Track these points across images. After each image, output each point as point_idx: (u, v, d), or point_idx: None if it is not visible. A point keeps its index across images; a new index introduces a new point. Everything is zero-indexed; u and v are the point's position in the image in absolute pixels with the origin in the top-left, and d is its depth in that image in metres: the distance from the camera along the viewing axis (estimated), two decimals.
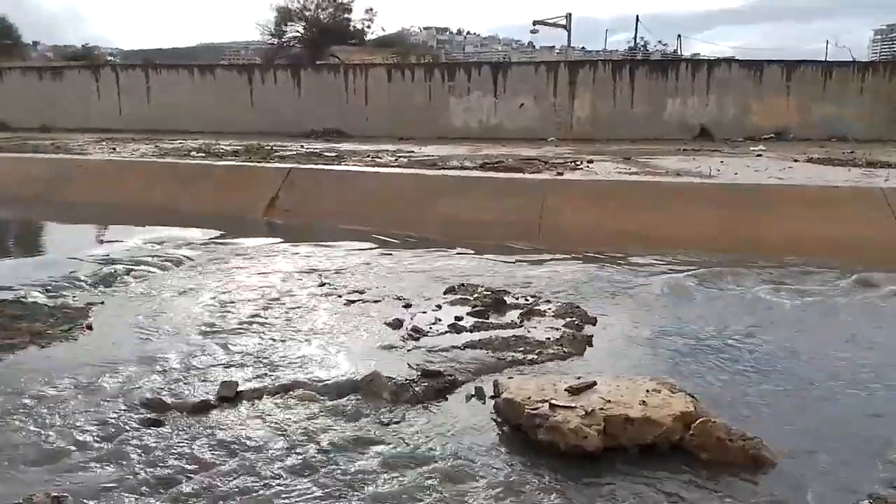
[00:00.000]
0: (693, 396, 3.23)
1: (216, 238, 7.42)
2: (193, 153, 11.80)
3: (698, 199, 7.66)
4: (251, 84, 19.20)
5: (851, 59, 18.88)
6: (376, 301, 5.15)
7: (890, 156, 10.83)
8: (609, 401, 3.15)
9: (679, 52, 24.13)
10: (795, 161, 10.54)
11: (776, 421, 3.28)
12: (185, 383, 3.61)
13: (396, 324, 4.63)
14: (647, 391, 3.25)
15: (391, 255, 6.76)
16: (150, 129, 18.29)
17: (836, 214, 7.08)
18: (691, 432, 2.96)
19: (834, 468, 2.82)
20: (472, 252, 6.87)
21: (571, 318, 4.81)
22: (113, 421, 3.19)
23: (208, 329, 4.44)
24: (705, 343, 4.35)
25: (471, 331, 4.55)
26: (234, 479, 2.74)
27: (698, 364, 4.02)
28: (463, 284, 5.55)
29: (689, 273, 5.98)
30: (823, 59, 18.69)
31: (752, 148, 13.00)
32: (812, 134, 16.18)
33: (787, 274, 5.95)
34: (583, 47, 29.53)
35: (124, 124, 19.35)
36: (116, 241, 7.31)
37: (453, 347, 4.20)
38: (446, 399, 3.55)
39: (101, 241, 7.48)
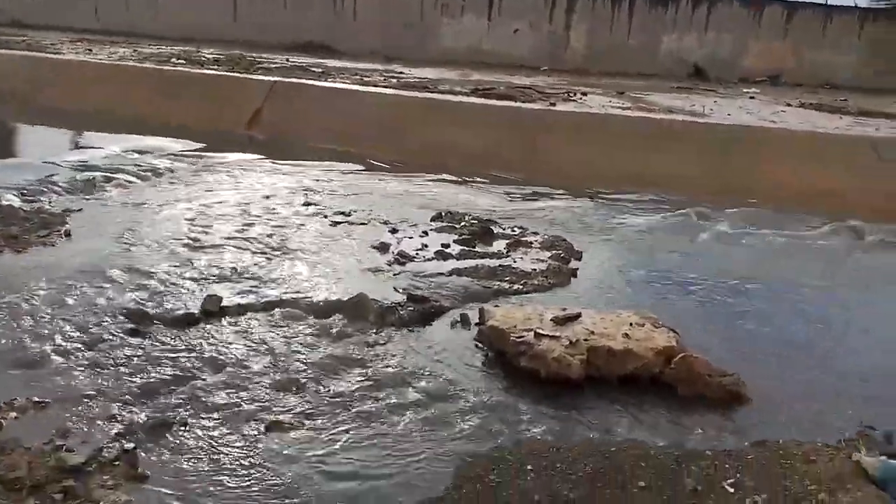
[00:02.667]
0: (675, 332, 3.28)
1: (198, 150, 7.21)
2: (174, 60, 11.31)
3: (690, 138, 7.57)
4: None
5: (854, 5, 18.42)
6: (362, 224, 5.08)
7: (883, 106, 10.78)
8: (593, 332, 3.19)
9: None
10: (788, 105, 10.45)
11: (753, 359, 3.35)
12: (167, 296, 3.56)
13: (383, 247, 4.59)
14: (631, 325, 3.29)
15: (378, 177, 6.64)
16: (128, 33, 17.45)
17: (825, 161, 7.06)
18: (672, 366, 3.01)
19: (807, 406, 2.91)
20: (461, 180, 6.78)
21: (558, 250, 4.81)
22: (94, 330, 3.15)
23: (191, 242, 4.36)
24: (689, 281, 4.39)
25: (457, 258, 4.53)
26: (219, 392, 2.74)
27: (681, 301, 4.08)
28: (450, 212, 5.49)
29: (678, 212, 5.98)
30: (825, 2, 18.19)
31: (745, 90, 12.84)
32: (806, 79, 15.98)
33: (773, 217, 5.98)
34: None
35: (101, 25, 18.41)
36: (94, 147, 7.07)
37: (439, 274, 4.19)
38: (431, 324, 3.57)
39: (79, 147, 7.22)
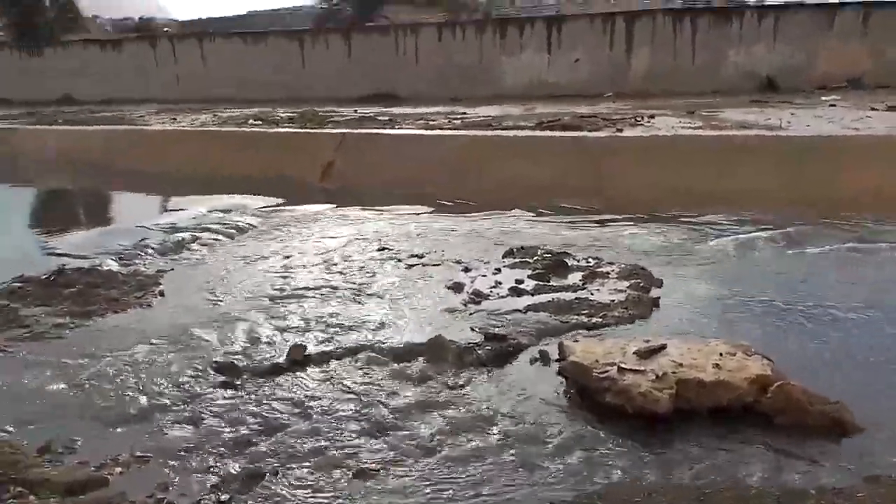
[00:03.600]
0: (769, 359, 3.11)
1: (277, 205, 7.54)
2: (251, 121, 11.96)
3: (768, 152, 7.29)
4: (303, 50, 19.24)
5: None
6: (436, 265, 5.14)
7: None
8: (681, 364, 3.07)
9: None
10: (874, 110, 9.90)
11: (858, 385, 3.13)
12: (255, 347, 3.70)
13: (457, 287, 4.62)
14: (721, 354, 3.15)
15: (448, 218, 6.73)
16: (207, 99, 18.63)
17: None
18: (768, 395, 2.86)
19: None
20: (531, 214, 6.76)
21: (636, 279, 4.68)
22: (188, 384, 3.31)
23: (275, 294, 4.54)
24: (778, 305, 4.16)
25: (532, 294, 4.50)
26: (307, 439, 2.81)
27: (772, 326, 3.87)
28: (522, 247, 5.48)
29: (760, 232, 5.73)
30: None
31: (823, 98, 12.28)
32: (891, 80, 15.14)
33: (865, 232, 5.63)
34: None
35: (182, 94, 19.76)
36: (182, 209, 7.52)
37: (515, 311, 4.17)
38: (511, 363, 3.54)
39: (167, 210, 7.70)
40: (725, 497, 2.32)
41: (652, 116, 10.12)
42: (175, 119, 12.92)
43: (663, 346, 3.23)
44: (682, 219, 6.29)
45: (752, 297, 4.32)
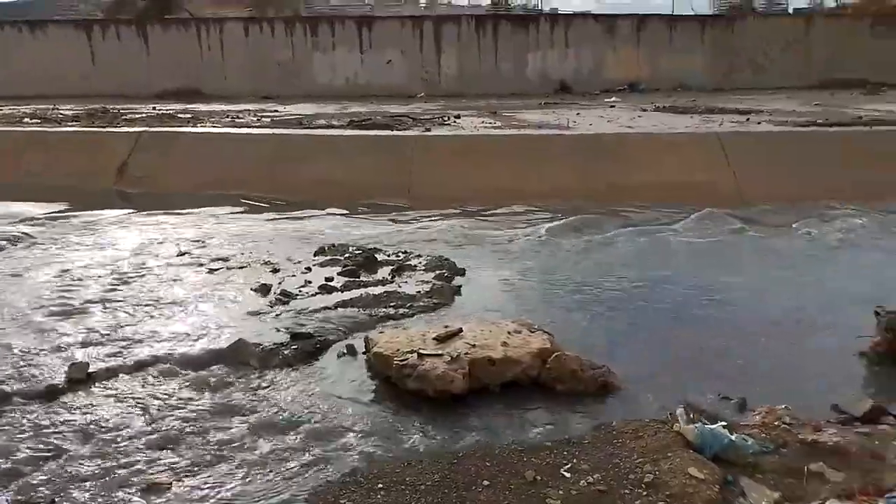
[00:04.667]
0: (549, 333, 3.44)
1: (60, 212, 6.81)
2: (27, 120, 10.64)
3: (557, 150, 7.99)
4: (91, 42, 17.47)
5: (693, 13, 20.16)
6: (241, 267, 4.98)
7: (726, 103, 11.83)
8: (474, 345, 3.28)
9: (540, 7, 24.69)
10: (644, 111, 11.25)
11: (625, 349, 3.57)
12: (28, 368, 3.33)
13: (264, 289, 4.51)
14: (509, 333, 3.42)
15: (256, 219, 6.54)
16: None
17: (680, 159, 7.65)
18: (547, 366, 3.16)
19: (670, 387, 3.13)
20: (343, 212, 6.79)
21: (441, 270, 4.92)
22: None
23: (54, 309, 4.11)
24: (564, 284, 4.62)
25: (342, 290, 4.53)
26: (90, 462, 2.59)
27: (556, 304, 4.29)
28: (333, 245, 5.49)
29: (550, 222, 6.28)
30: (670, 13, 19.79)
31: (606, 100, 13.70)
32: (661, 84, 17.25)
33: (638, 217, 6.41)
34: (448, 0, 29.44)
35: None
36: None
37: (324, 308, 4.18)
38: (318, 360, 3.54)
39: None
40: (474, 458, 2.55)
41: (458, 116, 10.61)
42: None
43: (459, 330, 3.44)
44: (485, 213, 6.70)
45: (542, 279, 4.75)
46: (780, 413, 2.59)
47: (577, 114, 10.75)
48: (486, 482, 2.38)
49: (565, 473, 2.39)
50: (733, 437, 2.38)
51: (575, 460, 2.47)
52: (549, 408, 2.95)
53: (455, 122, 10.02)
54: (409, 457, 2.57)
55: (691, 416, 2.53)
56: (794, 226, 5.96)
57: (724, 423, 2.48)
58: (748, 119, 9.60)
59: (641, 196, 6.93)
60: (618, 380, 3.15)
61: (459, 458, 2.54)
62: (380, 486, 2.39)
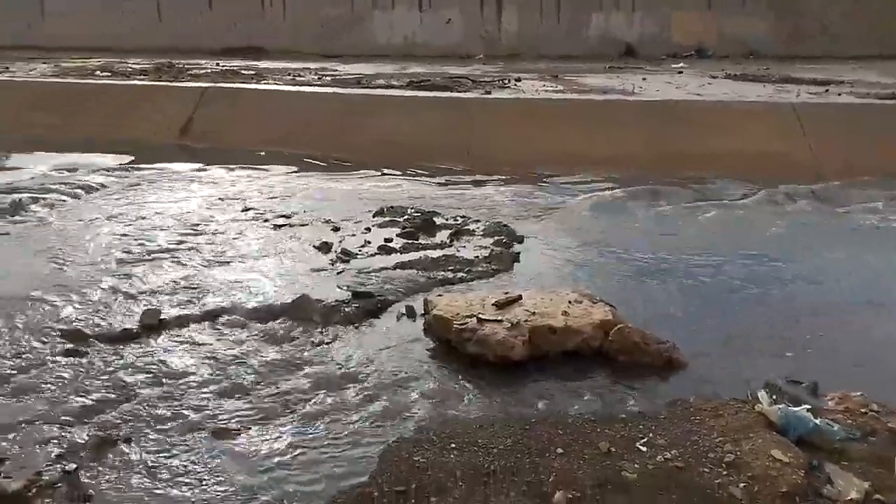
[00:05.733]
0: (612, 305, 3.39)
1: (129, 163, 7.03)
2: (98, 73, 10.95)
3: (622, 116, 7.77)
4: None
5: None
6: (303, 225, 5.06)
7: (801, 72, 11.24)
8: (534, 313, 3.26)
9: None
10: (714, 77, 10.79)
11: (690, 326, 3.49)
12: (105, 313, 3.49)
13: (325, 247, 4.58)
14: (570, 302, 3.38)
15: (318, 178, 6.60)
16: (45, 47, 16.78)
17: (752, 129, 7.34)
18: (610, 338, 3.12)
19: (738, 365, 3.05)
20: (401, 173, 6.79)
21: (499, 236, 4.88)
22: (30, 353, 3.07)
23: (127, 257, 4.27)
24: (628, 256, 4.52)
25: (401, 252, 4.56)
26: (162, 404, 2.71)
27: (619, 276, 4.20)
28: (392, 206, 5.51)
29: (614, 190, 6.14)
30: None
31: (673, 65, 13.19)
32: (730, 51, 16.48)
33: (706, 189, 6.20)
34: None
35: (14, 40, 17.65)
36: (20, 168, 6.81)
37: (383, 268, 4.21)
38: (378, 318, 3.59)
39: (2, 169, 6.95)
40: (547, 425, 2.54)
41: (519, 79, 10.40)
42: (8, 69, 11.56)
43: (519, 297, 3.42)
44: (547, 178, 6.59)
45: (602, 249, 4.65)
46: (857, 399, 2.49)
47: (643, 79, 10.39)
48: (559, 450, 2.38)
49: (641, 447, 2.37)
50: (818, 422, 2.31)
51: (651, 435, 2.44)
52: (614, 380, 2.92)
53: (516, 84, 9.83)
54: (474, 419, 2.59)
55: (773, 397, 2.46)
56: (874, 204, 5.66)
57: (808, 407, 2.41)
58: (827, 90, 9.10)
59: (711, 166, 6.68)
60: (683, 356, 3.09)
61: (532, 424, 2.55)
62: (452, 445, 2.42)
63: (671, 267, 4.33)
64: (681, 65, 13.32)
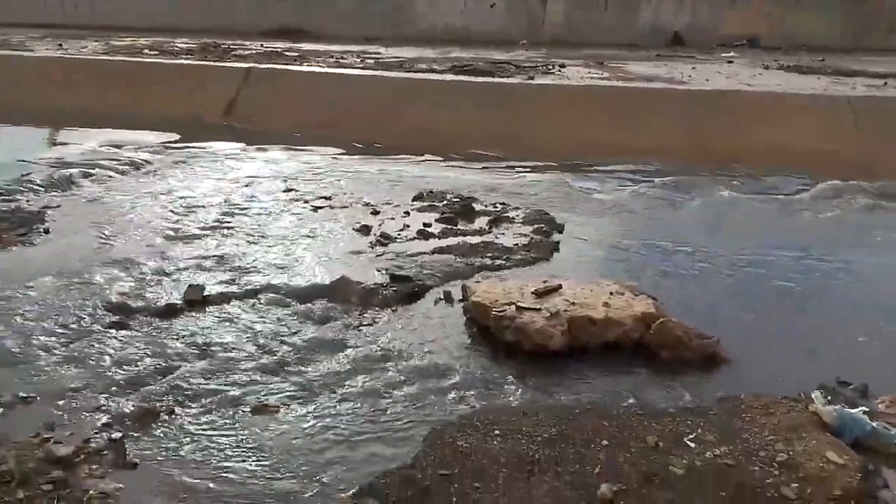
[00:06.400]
0: (654, 298, 3.33)
1: (174, 142, 7.15)
2: (146, 52, 11.16)
3: (668, 105, 7.59)
4: None
5: None
6: (343, 207, 5.08)
7: (859, 65, 10.83)
8: (573, 303, 3.23)
9: None
10: (766, 68, 10.47)
11: (733, 322, 3.41)
12: (149, 287, 3.57)
13: (364, 230, 4.60)
14: (611, 293, 3.33)
15: (358, 160, 6.62)
16: (96, 26, 17.15)
17: (803, 123, 7.10)
18: (652, 331, 3.06)
19: (784, 363, 2.97)
20: (441, 158, 6.77)
21: (539, 224, 4.83)
22: (77, 325, 3.16)
23: (172, 233, 4.36)
24: (670, 249, 4.43)
25: (439, 237, 4.55)
26: (204, 378, 2.77)
27: (662, 268, 4.12)
28: (431, 191, 5.49)
29: (658, 180, 6.01)
30: None
31: (723, 55, 12.84)
32: (784, 42, 15.96)
33: (752, 182, 6.03)
34: None
35: (68, 19, 18.08)
36: (70, 143, 6.99)
37: (422, 253, 4.21)
38: (416, 303, 3.59)
39: (54, 144, 7.14)
40: (591, 416, 2.52)
41: (563, 66, 10.25)
42: (62, 46, 11.85)
43: (559, 286, 3.38)
44: (589, 166, 6.49)
45: (645, 241, 4.56)
46: None
47: (693, 68, 10.14)
48: (604, 441, 2.36)
49: (689, 443, 2.33)
50: (875, 425, 2.23)
51: (700, 430, 2.40)
52: (656, 373, 2.88)
53: (560, 71, 9.69)
54: (516, 407, 2.58)
55: (828, 398, 2.39)
56: None
57: (864, 409, 2.33)
58: (885, 83, 8.74)
59: (758, 159, 6.49)
60: (726, 351, 3.02)
61: (576, 414, 2.52)
62: (496, 432, 2.42)
63: (716, 260, 4.23)
64: (731, 54, 12.96)
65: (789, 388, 2.67)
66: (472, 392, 2.70)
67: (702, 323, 3.20)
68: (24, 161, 5.97)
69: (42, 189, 5.22)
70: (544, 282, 3.48)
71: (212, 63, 9.79)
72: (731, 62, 11.34)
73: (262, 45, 12.60)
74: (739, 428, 2.40)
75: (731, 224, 5.02)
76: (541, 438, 2.37)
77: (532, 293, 3.33)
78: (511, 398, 2.67)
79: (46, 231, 4.35)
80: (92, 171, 5.73)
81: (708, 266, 4.15)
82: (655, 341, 3.06)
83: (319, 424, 2.49)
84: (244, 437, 2.42)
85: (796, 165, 6.33)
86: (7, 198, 4.96)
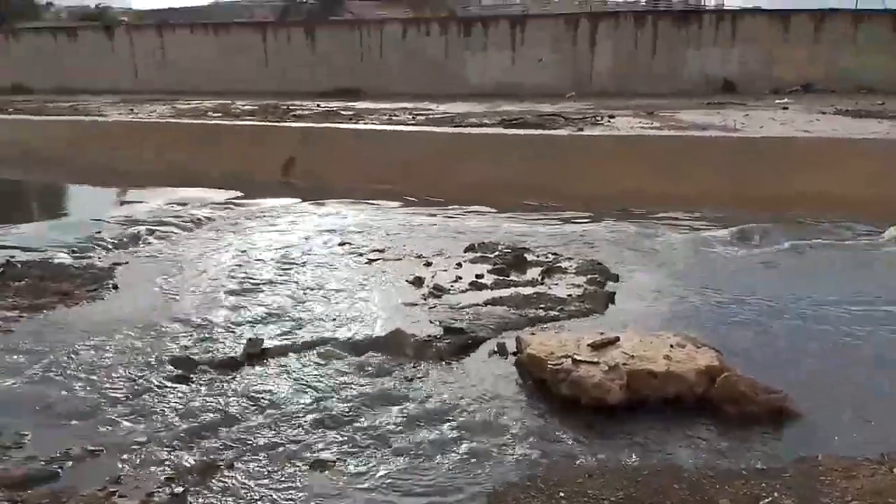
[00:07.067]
0: (718, 351, 3.22)
1: (235, 199, 7.45)
2: (210, 113, 11.76)
3: (720, 153, 7.50)
4: (265, 42, 18.97)
5: (883, 7, 18.06)
6: (397, 259, 5.15)
7: None
8: (632, 356, 3.15)
9: (702, 2, 23.35)
10: (822, 113, 10.26)
11: (803, 376, 3.26)
12: (211, 341, 3.66)
13: (418, 282, 4.63)
14: (672, 346, 3.24)
15: (411, 213, 6.74)
16: (165, 90, 18.21)
17: (863, 169, 6.88)
18: (716, 386, 2.95)
19: (857, 422, 2.80)
20: (493, 210, 6.82)
21: (593, 274, 4.77)
22: (142, 378, 3.26)
23: (232, 288, 4.49)
24: (730, 300, 4.29)
25: (492, 288, 4.54)
26: (263, 432, 2.80)
27: (723, 319, 3.99)
28: (483, 242, 5.52)
29: (713, 229, 5.89)
30: (854, 7, 17.89)
31: (777, 101, 12.65)
32: (839, 86, 15.64)
33: (813, 230, 5.84)
34: None
35: (139, 85, 19.27)
36: (138, 202, 7.36)
37: (475, 304, 4.20)
38: (469, 355, 3.57)
39: (123, 203, 7.54)
40: (660, 477, 2.41)
41: (612, 116, 10.28)
42: (132, 110, 12.62)
43: (616, 339, 3.31)
44: (641, 215, 6.43)
45: (704, 291, 4.44)
46: None
47: (746, 115, 10.02)
48: None
49: None
50: None
51: (776, 494, 2.28)
52: (722, 430, 2.75)
53: (609, 121, 9.72)
54: (579, 466, 2.50)
55: None
56: None
57: None
58: None
59: (815, 205, 6.31)
60: (795, 406, 2.87)
61: (644, 475, 2.44)
62: (561, 494, 2.35)
63: (779, 310, 4.08)
64: (785, 100, 12.76)
65: (868, 447, 2.51)
66: (531, 450, 2.64)
67: (768, 375, 3.07)
68: (96, 220, 6.31)
69: (112, 246, 5.49)
70: (601, 334, 3.41)
71: (271, 123, 10.22)
72: (786, 108, 11.16)
73: (318, 105, 13.11)
74: (818, 491, 2.27)
75: (794, 271, 4.86)
76: (608, 501, 2.29)
77: (588, 346, 3.27)
78: (573, 457, 2.59)
79: (115, 287, 4.55)
80: (158, 228, 6.00)
81: (773, 315, 4.00)
82: (720, 396, 2.94)
83: (376, 483, 2.47)
84: (300, 492, 2.42)
85: (858, 213, 6.11)
86: (80, 255, 5.23)
